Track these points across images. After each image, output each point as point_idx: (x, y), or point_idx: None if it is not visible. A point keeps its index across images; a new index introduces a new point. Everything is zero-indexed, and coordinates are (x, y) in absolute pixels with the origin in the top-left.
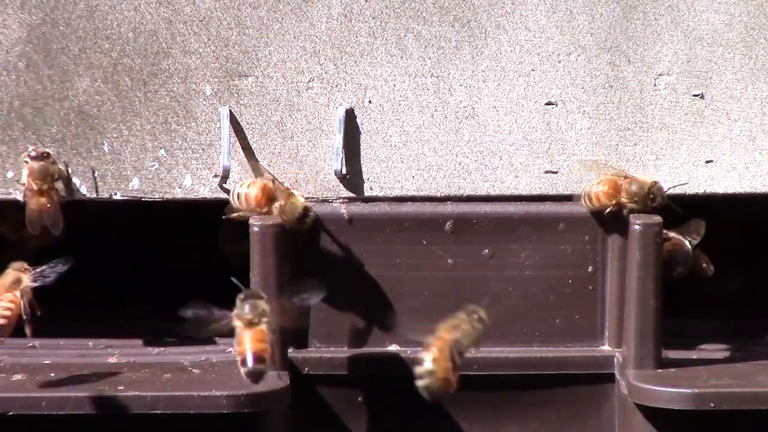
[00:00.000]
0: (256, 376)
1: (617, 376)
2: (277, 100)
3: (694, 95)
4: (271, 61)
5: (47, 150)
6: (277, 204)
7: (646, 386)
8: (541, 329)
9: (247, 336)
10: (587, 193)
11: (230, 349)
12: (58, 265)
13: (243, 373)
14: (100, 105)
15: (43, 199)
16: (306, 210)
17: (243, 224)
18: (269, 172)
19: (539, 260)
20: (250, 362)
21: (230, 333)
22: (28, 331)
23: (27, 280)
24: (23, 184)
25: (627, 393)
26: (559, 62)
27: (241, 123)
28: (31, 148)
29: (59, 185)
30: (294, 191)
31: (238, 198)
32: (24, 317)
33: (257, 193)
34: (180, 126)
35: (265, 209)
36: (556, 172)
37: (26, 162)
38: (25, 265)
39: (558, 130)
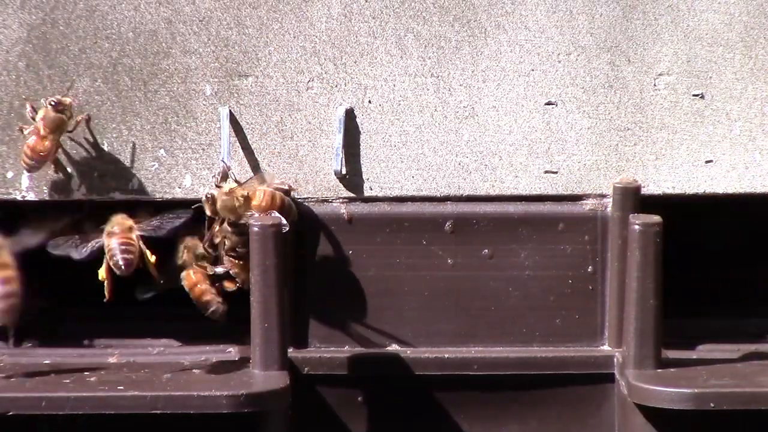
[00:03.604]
0: None
1: (617, 376)
2: (277, 100)
3: (694, 95)
4: (271, 61)
5: (68, 102)
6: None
7: (646, 386)
8: (541, 329)
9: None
10: None
11: (230, 349)
12: (174, 218)
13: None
14: (100, 105)
15: (44, 143)
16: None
17: None
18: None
19: (539, 260)
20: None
21: None
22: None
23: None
24: (33, 120)
25: (627, 393)
26: (559, 62)
27: (241, 123)
28: (53, 98)
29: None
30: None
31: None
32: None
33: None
34: (180, 126)
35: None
36: (556, 172)
37: (45, 107)
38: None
39: (558, 130)
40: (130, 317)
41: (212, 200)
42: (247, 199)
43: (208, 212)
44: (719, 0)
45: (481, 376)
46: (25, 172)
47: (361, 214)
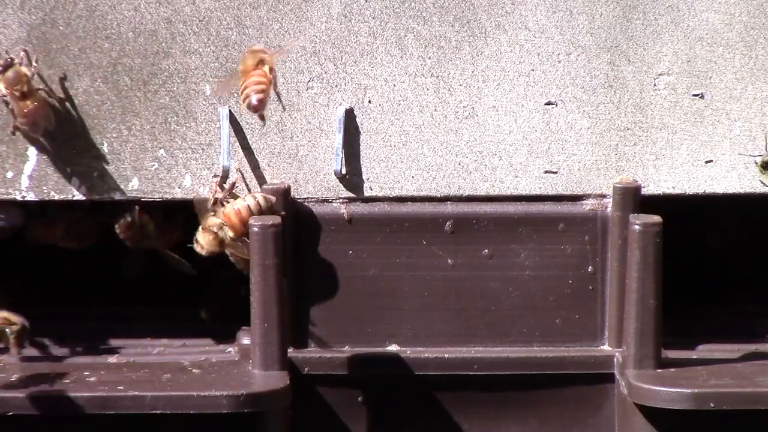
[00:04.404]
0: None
1: (617, 376)
2: (277, 100)
3: (694, 95)
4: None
5: (10, 56)
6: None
7: (646, 386)
8: (541, 329)
9: None
10: None
11: (230, 349)
12: None
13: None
14: (100, 105)
15: (28, 102)
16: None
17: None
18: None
19: (539, 260)
20: None
21: None
22: None
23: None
24: (4, 96)
25: (627, 393)
26: (559, 62)
27: (241, 123)
28: None
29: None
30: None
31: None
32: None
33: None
34: (180, 126)
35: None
36: (555, 172)
37: None
38: None
39: (558, 130)
40: (130, 317)
41: (200, 243)
42: (221, 227)
43: (204, 254)
44: (719, 0)
45: (481, 376)
46: (34, 142)
47: (361, 214)
